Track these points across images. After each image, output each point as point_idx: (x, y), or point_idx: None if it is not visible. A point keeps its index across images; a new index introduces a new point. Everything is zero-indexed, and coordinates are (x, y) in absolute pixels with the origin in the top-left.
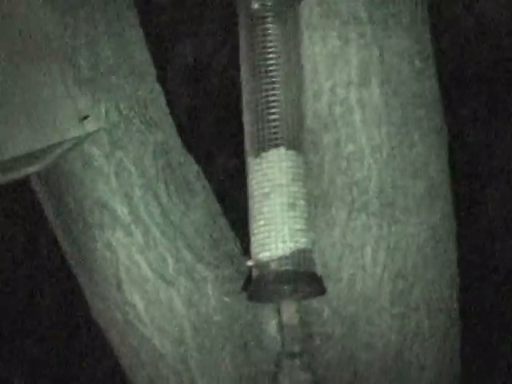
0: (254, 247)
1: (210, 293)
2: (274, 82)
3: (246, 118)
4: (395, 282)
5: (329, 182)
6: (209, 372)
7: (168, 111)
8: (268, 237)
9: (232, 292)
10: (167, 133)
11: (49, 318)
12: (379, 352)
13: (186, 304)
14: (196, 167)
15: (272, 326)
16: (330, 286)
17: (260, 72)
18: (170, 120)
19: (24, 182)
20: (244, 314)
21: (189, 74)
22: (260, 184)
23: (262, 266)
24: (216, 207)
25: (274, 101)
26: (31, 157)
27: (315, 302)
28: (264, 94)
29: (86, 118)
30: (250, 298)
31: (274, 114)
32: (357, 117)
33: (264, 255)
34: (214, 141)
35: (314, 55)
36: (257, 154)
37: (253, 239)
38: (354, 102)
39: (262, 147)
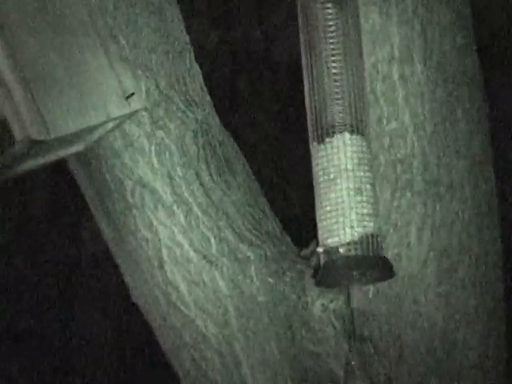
0: (322, 233)
1: (254, 273)
2: (337, 68)
3: (309, 104)
4: (440, 261)
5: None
6: (254, 354)
7: (206, 90)
8: (336, 222)
9: (276, 272)
10: (207, 111)
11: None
12: (425, 332)
13: (229, 285)
14: (236, 146)
15: (317, 307)
16: None
17: (322, 57)
18: (209, 98)
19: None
20: (289, 295)
21: None
22: (326, 170)
23: (330, 251)
24: (256, 187)
25: (337, 86)
26: (76, 136)
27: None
28: (327, 79)
29: (131, 95)
30: (319, 283)
31: (338, 99)
32: (399, 93)
33: (332, 241)
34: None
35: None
36: (321, 140)
37: (320, 225)
38: (397, 78)
39: (326, 133)
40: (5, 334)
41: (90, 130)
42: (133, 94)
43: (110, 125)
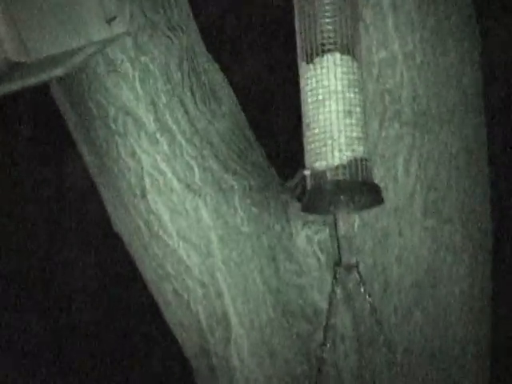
0: (309, 156)
1: (238, 203)
2: None
3: (298, 23)
4: (427, 193)
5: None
6: (236, 284)
7: (192, 16)
8: (324, 145)
9: (260, 202)
10: (192, 38)
11: None
12: (411, 265)
13: (212, 215)
14: (221, 75)
15: (302, 238)
16: None
17: None
18: (195, 25)
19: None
20: (273, 226)
21: None
22: (314, 91)
23: (317, 175)
24: (242, 117)
25: (328, 4)
26: (57, 59)
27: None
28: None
29: (113, 19)
30: (306, 208)
31: (329, 17)
32: (389, 22)
33: (320, 164)
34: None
35: None
36: (310, 60)
37: (308, 148)
38: (387, 6)
39: (315, 52)
40: None
41: (71, 53)
42: (115, 17)
43: (92, 49)
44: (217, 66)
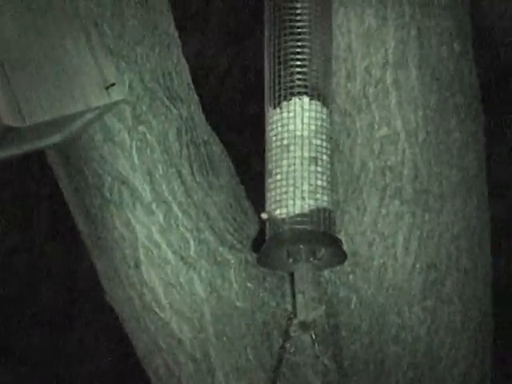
0: (270, 203)
1: (233, 277)
2: (299, 27)
3: (267, 66)
4: (427, 273)
5: (361, 165)
6: (229, 361)
7: (192, 86)
8: (285, 192)
9: (256, 277)
10: (192, 108)
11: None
12: (408, 346)
13: (207, 288)
14: (221, 146)
15: (297, 316)
16: (358, 274)
17: (284, 16)
18: (195, 96)
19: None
20: (268, 302)
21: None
22: (279, 135)
23: (277, 223)
24: (240, 189)
25: (299, 46)
26: (53, 126)
27: (342, 291)
28: (287, 38)
29: (111, 86)
30: (262, 259)
31: (298, 60)
32: (392, 99)
33: (280, 212)
34: None
35: (349, 33)
36: (277, 104)
37: (268, 195)
38: (390, 83)
39: (283, 96)
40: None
41: (68, 120)
42: (113, 84)
43: (90, 116)
44: (216, 137)
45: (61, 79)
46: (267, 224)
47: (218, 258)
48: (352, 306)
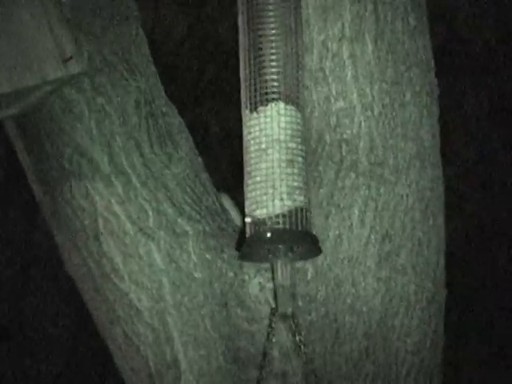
0: (250, 204)
1: (191, 248)
2: (273, 35)
3: (243, 72)
4: (382, 244)
5: (317, 138)
6: (187, 330)
7: (151, 59)
8: (265, 193)
9: (214, 248)
10: (151, 81)
11: None
12: (363, 315)
13: (165, 259)
14: (179, 119)
15: (254, 286)
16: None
17: (258, 25)
18: (154, 68)
19: None
20: (225, 272)
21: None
22: (257, 139)
23: (257, 223)
24: (198, 161)
25: (273, 53)
26: (11, 97)
27: (299, 262)
28: (263, 46)
29: (69, 59)
30: (243, 257)
31: (273, 67)
32: (348, 72)
33: (260, 212)
34: None
35: (306, 8)
36: (254, 109)
37: (248, 196)
38: (346, 56)
39: (260, 101)
40: None
41: (26, 91)
42: (71, 57)
43: (47, 88)
44: (175, 109)
45: (18, 52)
46: (248, 224)
47: (177, 229)
48: (308, 277)
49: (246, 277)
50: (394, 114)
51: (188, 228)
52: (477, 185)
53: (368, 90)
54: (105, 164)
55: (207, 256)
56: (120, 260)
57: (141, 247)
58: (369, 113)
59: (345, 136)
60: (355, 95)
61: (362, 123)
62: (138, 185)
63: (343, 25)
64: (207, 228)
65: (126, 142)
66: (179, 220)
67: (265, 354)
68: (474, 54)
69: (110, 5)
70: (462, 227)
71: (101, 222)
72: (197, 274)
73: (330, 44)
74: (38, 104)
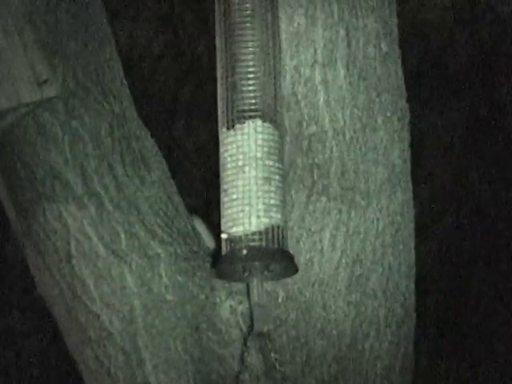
0: (226, 221)
1: (163, 271)
2: (250, 53)
3: (221, 88)
4: (353, 268)
5: (289, 162)
6: (158, 353)
7: (125, 82)
8: (242, 211)
9: (185, 271)
10: (124, 104)
11: None
12: (333, 339)
13: (137, 281)
14: (152, 142)
15: (225, 309)
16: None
17: (235, 43)
18: (128, 91)
19: None
20: (197, 295)
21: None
22: (234, 156)
23: (233, 240)
24: (171, 184)
25: (251, 72)
26: None
27: (270, 285)
28: (241, 63)
29: (44, 82)
30: (219, 274)
31: (251, 84)
32: (320, 97)
33: (237, 230)
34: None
35: (279, 32)
36: (231, 126)
37: (225, 213)
38: (318, 82)
39: (237, 118)
40: None
41: (1, 114)
42: (46, 80)
43: (22, 111)
44: (148, 132)
45: None
46: (223, 241)
47: (149, 252)
48: (279, 300)
49: (218, 299)
50: (365, 139)
51: (160, 251)
52: (451, 206)
53: (340, 115)
54: (78, 186)
55: (179, 278)
56: (92, 282)
57: (113, 269)
58: (340, 137)
59: (316, 160)
60: (327, 120)
61: (334, 148)
62: (111, 207)
63: (315, 50)
64: (179, 251)
65: (100, 165)
66: (151, 242)
67: (238, 374)
68: (447, 76)
69: (84, 29)
70: (436, 249)
71: (73, 243)
72: (168, 297)
73: (302, 69)
74: (13, 127)
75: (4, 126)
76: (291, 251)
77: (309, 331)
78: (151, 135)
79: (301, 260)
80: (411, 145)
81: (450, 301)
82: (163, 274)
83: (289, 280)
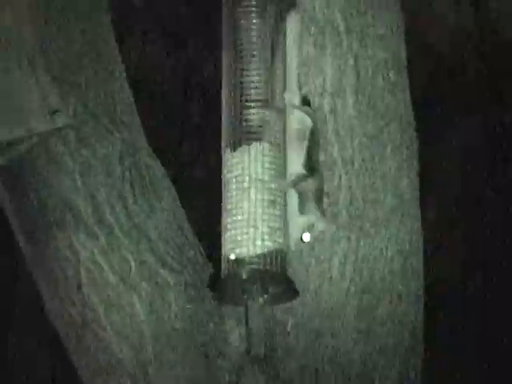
0: (229, 242)
1: (173, 299)
2: (256, 79)
3: (226, 108)
4: (361, 296)
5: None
6: (168, 381)
7: (136, 111)
8: (246, 233)
9: (195, 299)
10: (134, 133)
11: None
12: (343, 367)
13: (147, 309)
14: (162, 170)
15: (235, 336)
16: None
17: (243, 65)
18: (138, 120)
19: None
20: (206, 323)
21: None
22: (239, 178)
23: (235, 263)
24: (181, 212)
25: (258, 93)
26: None
27: (280, 313)
28: (247, 85)
29: (55, 112)
30: (219, 296)
31: (258, 106)
32: (330, 126)
33: (240, 251)
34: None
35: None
36: (236, 147)
37: (228, 234)
38: (327, 111)
39: (243, 139)
40: None
41: (13, 144)
42: (57, 110)
43: (34, 140)
44: (158, 161)
45: (5, 105)
46: (224, 262)
47: (158, 280)
48: (288, 328)
49: (227, 328)
50: (373, 167)
51: (169, 279)
52: (458, 226)
53: (348, 144)
54: (88, 215)
55: (188, 307)
56: (102, 310)
57: (123, 298)
58: (349, 166)
59: (326, 189)
60: (336, 149)
61: (343, 176)
62: (121, 236)
63: (324, 79)
64: (188, 279)
65: (110, 194)
66: (161, 271)
67: None
68: (460, 89)
69: (96, 60)
70: (446, 266)
71: (83, 272)
72: (178, 325)
73: (311, 98)
74: (24, 156)
75: (16, 155)
76: (299, 280)
77: (318, 359)
78: (161, 161)
79: (310, 288)
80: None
81: (463, 325)
82: (173, 303)
83: (298, 308)
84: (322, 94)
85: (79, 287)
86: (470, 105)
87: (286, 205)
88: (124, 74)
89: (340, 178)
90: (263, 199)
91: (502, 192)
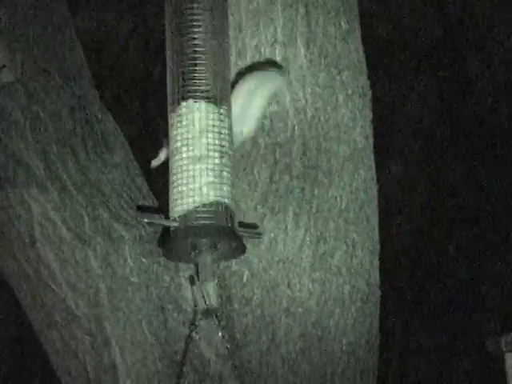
0: (172, 200)
1: (127, 253)
2: (197, 38)
3: (168, 70)
4: (317, 246)
5: (252, 142)
6: (124, 335)
7: (86, 64)
8: (186, 189)
9: (150, 253)
10: (85, 87)
11: None
12: (299, 317)
13: (102, 264)
14: (114, 124)
15: (189, 289)
16: (250, 248)
17: (182, 26)
18: (88, 73)
19: None
20: (162, 276)
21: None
22: (177, 137)
23: (179, 219)
24: (134, 166)
25: (199, 52)
26: None
27: (234, 265)
28: (187, 43)
29: (2, 68)
30: (167, 253)
31: (195, 65)
32: None
33: (182, 208)
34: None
35: (238, 12)
36: (175, 107)
37: (170, 192)
38: (279, 61)
39: (181, 98)
40: None
41: None
42: (4, 66)
43: None
44: (109, 115)
45: None
46: (172, 220)
47: (113, 234)
48: (244, 280)
49: (183, 280)
50: (326, 117)
51: (124, 233)
52: (422, 180)
53: (301, 94)
54: (40, 170)
55: (143, 260)
56: (57, 266)
57: (77, 253)
58: (302, 116)
59: (278, 140)
60: (288, 99)
61: (296, 127)
62: (74, 191)
63: (275, 29)
64: (143, 233)
65: (62, 149)
66: (115, 225)
67: (185, 351)
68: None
69: (43, 14)
70: (409, 221)
71: (37, 228)
72: (133, 279)
73: (262, 48)
74: None
75: None
76: (255, 230)
77: (274, 310)
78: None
79: (265, 239)
80: (373, 121)
81: (422, 277)
82: (128, 257)
83: (253, 259)
84: (272, 44)
85: (33, 243)
86: (429, 62)
87: (226, 158)
88: (73, 29)
89: (293, 128)
90: (195, 156)
91: (459, 146)
